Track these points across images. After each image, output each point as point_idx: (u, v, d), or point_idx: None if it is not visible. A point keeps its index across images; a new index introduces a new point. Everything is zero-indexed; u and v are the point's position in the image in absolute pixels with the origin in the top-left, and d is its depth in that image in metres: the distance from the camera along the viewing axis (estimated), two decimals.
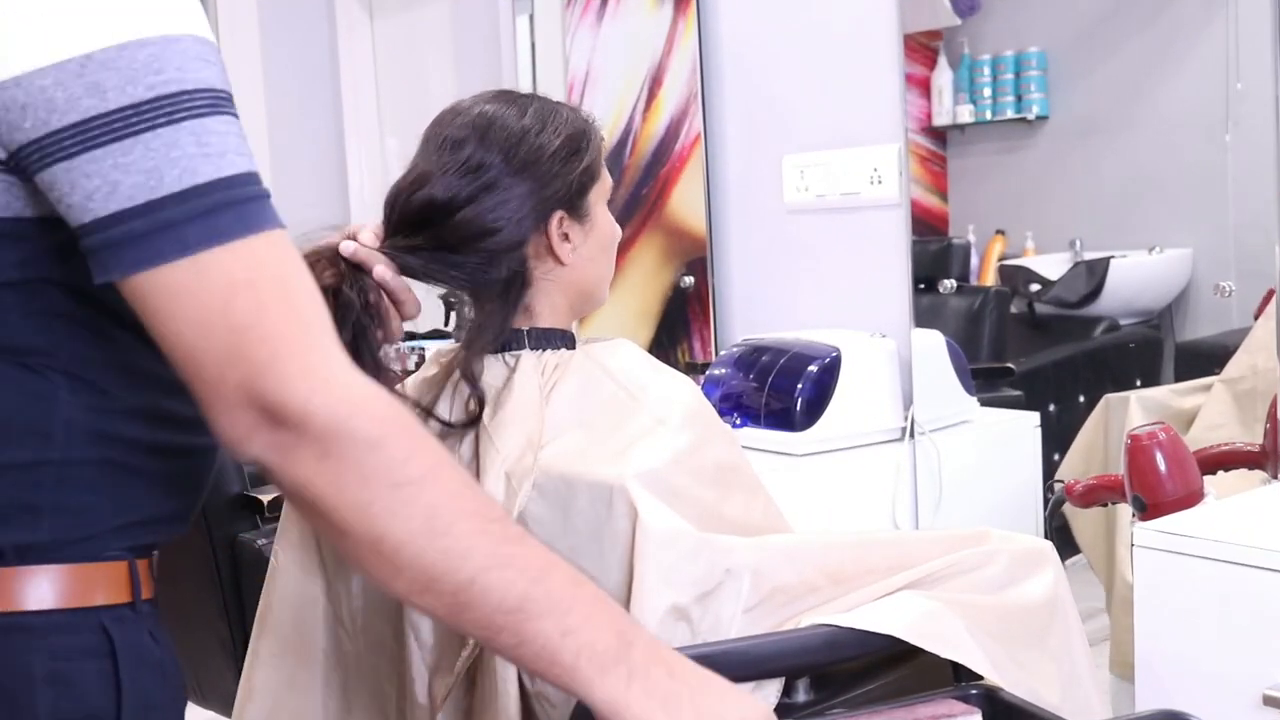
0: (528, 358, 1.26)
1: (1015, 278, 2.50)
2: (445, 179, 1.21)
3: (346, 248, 1.18)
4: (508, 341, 1.27)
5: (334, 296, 1.14)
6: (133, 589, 0.95)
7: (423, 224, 1.21)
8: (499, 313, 1.26)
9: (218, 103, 0.83)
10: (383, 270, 1.18)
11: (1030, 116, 2.40)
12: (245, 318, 0.80)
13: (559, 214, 1.26)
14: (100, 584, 0.93)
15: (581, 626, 0.87)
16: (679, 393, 1.25)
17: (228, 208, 0.81)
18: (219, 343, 0.80)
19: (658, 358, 1.34)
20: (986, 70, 2.46)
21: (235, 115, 0.84)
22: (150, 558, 0.99)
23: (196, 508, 1.04)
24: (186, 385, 0.83)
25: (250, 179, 0.83)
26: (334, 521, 0.83)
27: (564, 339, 1.29)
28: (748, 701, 0.92)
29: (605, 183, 1.32)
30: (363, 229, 1.23)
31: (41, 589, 0.90)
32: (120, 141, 0.80)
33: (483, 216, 1.21)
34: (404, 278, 1.21)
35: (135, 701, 0.93)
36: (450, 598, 0.84)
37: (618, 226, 1.35)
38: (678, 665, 0.91)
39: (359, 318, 1.15)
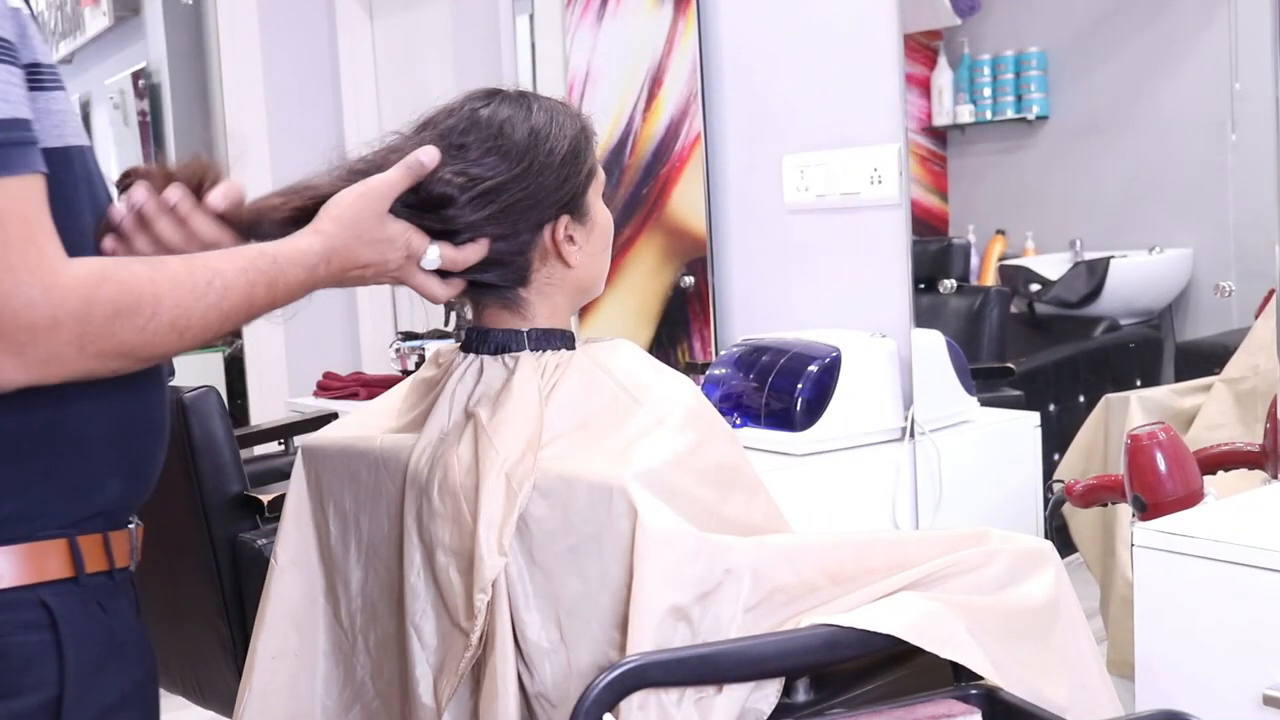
0: (527, 359, 1.26)
1: (1015, 278, 2.50)
2: (454, 180, 1.20)
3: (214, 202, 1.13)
4: (506, 343, 1.27)
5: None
6: (75, 564, 1.00)
7: (423, 215, 1.21)
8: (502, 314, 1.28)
9: None
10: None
11: (1030, 116, 2.40)
12: None
13: (564, 218, 1.26)
14: (38, 563, 0.99)
15: (287, 283, 1.08)
16: (680, 393, 1.25)
17: None
18: None
19: (658, 358, 1.34)
20: (986, 70, 2.45)
21: (9, 63, 0.92)
22: (105, 533, 1.03)
23: (142, 477, 1.08)
24: None
25: (15, 125, 0.91)
26: (115, 370, 0.98)
27: (563, 339, 1.29)
28: (385, 238, 1.15)
29: (601, 177, 1.32)
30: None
31: None
32: None
33: (490, 220, 1.21)
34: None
35: (79, 668, 0.98)
36: (217, 337, 1.05)
37: (610, 216, 1.35)
38: (332, 254, 1.11)
39: None
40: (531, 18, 3.32)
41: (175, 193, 1.10)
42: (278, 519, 1.38)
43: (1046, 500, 2.24)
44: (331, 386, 3.55)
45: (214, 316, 1.01)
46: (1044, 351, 2.55)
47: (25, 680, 0.96)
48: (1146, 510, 1.67)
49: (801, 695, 1.19)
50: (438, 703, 1.21)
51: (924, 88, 2.49)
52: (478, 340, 1.29)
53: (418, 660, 1.23)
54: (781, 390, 2.26)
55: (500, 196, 1.21)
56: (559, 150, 1.24)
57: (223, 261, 1.03)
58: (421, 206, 1.20)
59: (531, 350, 1.27)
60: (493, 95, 1.27)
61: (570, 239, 1.27)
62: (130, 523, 1.10)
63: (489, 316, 1.29)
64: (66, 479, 1.01)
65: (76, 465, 1.02)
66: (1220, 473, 1.85)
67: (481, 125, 1.23)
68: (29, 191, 0.92)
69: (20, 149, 0.91)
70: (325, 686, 1.35)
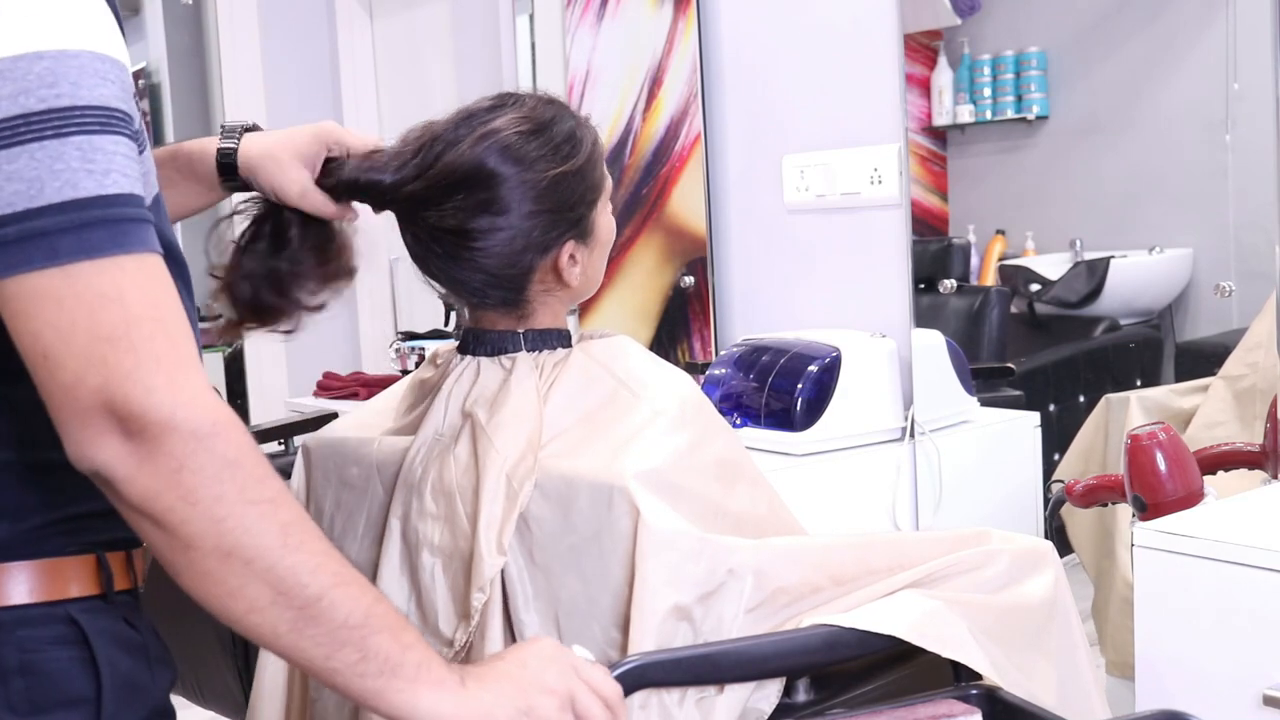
0: (524, 359, 1.25)
1: (1015, 278, 2.50)
2: (462, 206, 1.20)
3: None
4: (503, 344, 1.27)
5: None
6: (102, 581, 0.97)
7: (431, 234, 1.22)
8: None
9: (110, 122, 0.84)
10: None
11: (1030, 116, 2.40)
12: (113, 329, 0.81)
13: (570, 244, 1.25)
14: (69, 578, 0.95)
15: (417, 643, 0.92)
16: (678, 389, 1.25)
17: (103, 224, 0.82)
18: (80, 348, 0.81)
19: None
20: (986, 70, 2.45)
21: (129, 136, 0.86)
22: (128, 550, 1.01)
23: None
24: (41, 391, 0.83)
25: (131, 200, 0.84)
26: (182, 535, 0.84)
27: (560, 338, 1.29)
28: (550, 667, 0.97)
29: (607, 191, 1.31)
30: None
31: (6, 586, 0.92)
32: (7, 149, 0.81)
33: (496, 247, 1.21)
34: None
35: (116, 683, 0.95)
36: (298, 612, 0.86)
37: (614, 221, 1.34)
38: (481, 667, 0.98)
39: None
40: (531, 18, 3.31)
41: None
42: None
43: (1046, 500, 2.24)
44: (331, 386, 3.55)
45: (314, 561, 0.87)
46: (1044, 351, 2.56)
47: (59, 697, 0.93)
48: (1146, 510, 1.68)
49: (802, 695, 1.19)
50: None
51: (924, 88, 2.50)
52: (474, 342, 1.29)
53: None
54: (781, 390, 2.26)
55: (508, 224, 1.20)
56: (568, 180, 1.22)
57: (345, 575, 0.90)
58: (437, 234, 1.21)
59: (528, 350, 1.26)
60: (515, 119, 1.22)
61: (573, 259, 1.26)
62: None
63: (485, 318, 1.29)
64: (79, 506, 0.96)
65: (88, 496, 0.95)
66: (1220, 473, 1.85)
67: (498, 150, 1.20)
68: (149, 271, 0.84)
69: (135, 225, 0.84)
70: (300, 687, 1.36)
